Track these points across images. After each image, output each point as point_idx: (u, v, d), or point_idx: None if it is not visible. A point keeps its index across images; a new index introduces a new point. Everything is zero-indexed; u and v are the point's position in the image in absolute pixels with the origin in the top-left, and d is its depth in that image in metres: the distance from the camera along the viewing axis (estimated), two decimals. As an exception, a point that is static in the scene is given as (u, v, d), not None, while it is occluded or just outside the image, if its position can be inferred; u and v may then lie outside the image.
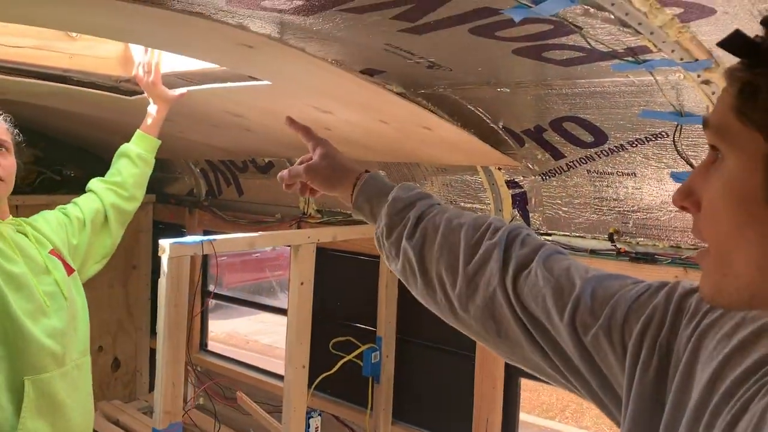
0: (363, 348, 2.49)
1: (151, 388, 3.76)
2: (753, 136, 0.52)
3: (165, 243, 1.78)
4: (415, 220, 0.94)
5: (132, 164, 1.92)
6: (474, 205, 2.21)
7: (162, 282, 1.79)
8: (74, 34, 1.93)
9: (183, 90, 1.97)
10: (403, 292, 2.53)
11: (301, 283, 2.13)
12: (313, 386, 2.36)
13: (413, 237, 0.93)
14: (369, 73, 1.60)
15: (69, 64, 1.96)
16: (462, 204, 2.22)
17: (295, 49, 1.42)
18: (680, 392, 0.62)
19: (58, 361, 1.47)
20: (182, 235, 3.48)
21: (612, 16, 1.07)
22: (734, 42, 0.53)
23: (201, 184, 3.41)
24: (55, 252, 1.59)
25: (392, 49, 1.43)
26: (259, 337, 7.11)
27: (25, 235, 1.55)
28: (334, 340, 2.62)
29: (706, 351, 0.62)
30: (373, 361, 2.46)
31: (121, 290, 3.59)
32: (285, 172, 1.10)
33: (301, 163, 1.10)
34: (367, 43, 1.42)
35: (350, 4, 1.15)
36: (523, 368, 0.85)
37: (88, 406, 1.60)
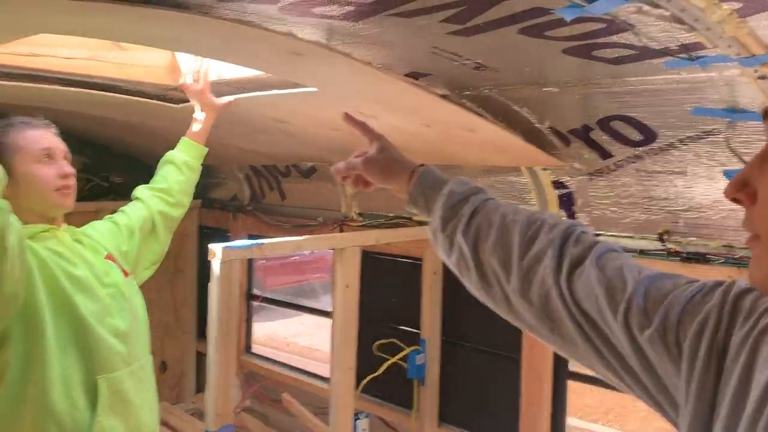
0: (408, 350, 2.49)
1: (198, 390, 3.83)
2: None
3: (215, 247, 1.81)
4: (469, 215, 0.94)
5: (178, 171, 1.92)
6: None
7: (212, 286, 1.82)
8: (123, 44, 1.98)
9: (230, 98, 1.99)
10: (447, 294, 2.53)
11: (346, 286, 2.14)
12: (360, 388, 2.37)
13: (468, 232, 0.93)
14: (414, 76, 1.61)
15: (118, 73, 2.01)
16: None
17: (342, 54, 1.43)
18: (739, 393, 0.61)
19: (125, 360, 1.51)
20: (227, 239, 3.54)
21: (667, 13, 1.06)
22: None
23: (245, 189, 3.46)
24: (110, 257, 1.63)
25: (439, 52, 1.43)
26: (299, 339, 7.17)
27: (80, 242, 1.60)
28: (377, 342, 2.63)
29: (764, 352, 0.61)
30: (417, 363, 2.46)
31: (168, 294, 3.66)
32: (341, 164, 1.11)
33: (357, 156, 1.10)
34: (413, 46, 1.43)
35: (400, 9, 1.16)
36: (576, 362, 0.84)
37: (154, 404, 1.63)
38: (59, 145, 1.57)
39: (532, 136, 1.82)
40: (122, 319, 1.54)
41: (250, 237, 3.51)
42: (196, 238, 3.73)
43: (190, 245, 3.70)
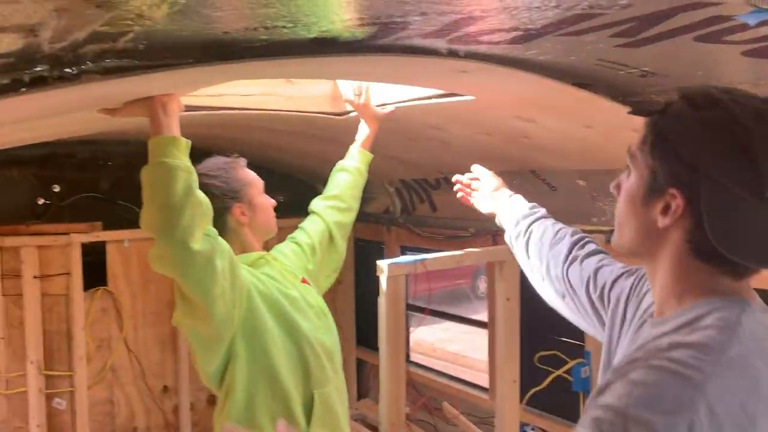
0: (572, 363, 2.45)
1: (360, 396, 4.00)
2: (645, 165, 0.91)
3: (383, 263, 1.90)
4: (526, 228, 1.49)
5: (349, 175, 2.05)
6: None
7: (381, 301, 1.91)
8: (293, 79, 2.14)
9: (391, 107, 2.07)
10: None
11: (507, 299, 2.15)
12: (524, 401, 2.36)
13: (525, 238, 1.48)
14: (575, 86, 1.60)
15: (287, 105, 2.18)
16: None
17: (506, 68, 1.46)
18: (623, 324, 1.10)
19: (332, 375, 1.65)
20: (381, 251, 3.68)
21: None
22: (642, 112, 1.09)
23: (396, 203, 3.57)
24: (305, 280, 1.78)
25: (604, 63, 1.42)
26: (446, 345, 7.22)
27: (284, 267, 1.77)
28: (539, 354, 2.61)
29: (643, 304, 1.06)
30: (583, 376, 2.41)
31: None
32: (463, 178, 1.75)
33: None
34: (577, 60, 1.43)
35: (570, 29, 1.16)
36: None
37: (347, 413, 1.76)
38: None
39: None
40: (327, 337, 1.68)
41: (403, 249, 3.62)
42: (352, 250, 3.91)
43: (347, 257, 3.84)
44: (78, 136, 2.91)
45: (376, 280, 2.01)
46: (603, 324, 1.17)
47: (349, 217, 2.05)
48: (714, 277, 0.86)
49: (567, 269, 1.31)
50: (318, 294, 1.78)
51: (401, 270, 1.92)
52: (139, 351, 3.48)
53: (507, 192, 1.65)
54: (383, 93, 2.04)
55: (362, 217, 3.87)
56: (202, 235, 1.41)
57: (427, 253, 3.02)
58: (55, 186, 3.54)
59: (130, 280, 3.44)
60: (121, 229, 3.40)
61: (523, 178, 2.66)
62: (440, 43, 1.25)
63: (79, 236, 3.21)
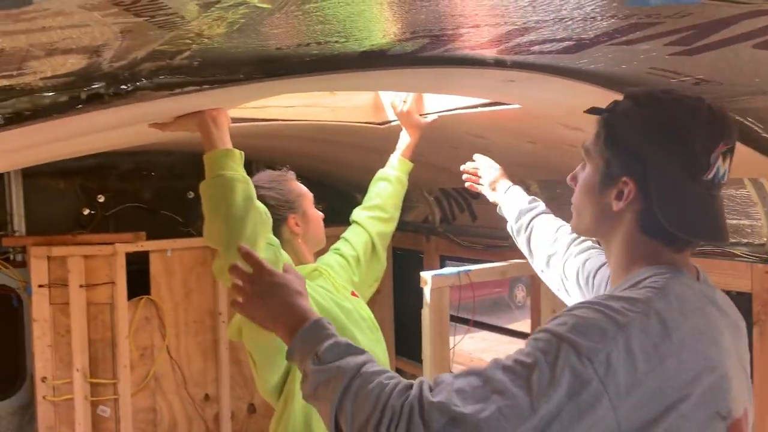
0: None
1: (398, 406, 3.97)
2: (599, 157, 1.06)
3: (427, 275, 1.89)
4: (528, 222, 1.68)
5: (390, 185, 2.05)
6: (741, 221, 2.02)
7: (425, 312, 1.90)
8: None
9: (434, 116, 2.06)
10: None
11: (553, 311, 2.12)
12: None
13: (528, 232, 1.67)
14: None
15: (331, 116, 2.19)
16: (728, 220, 2.04)
17: (555, 77, 1.44)
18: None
19: None
20: (420, 260, 3.66)
21: None
22: (593, 111, 1.11)
23: (435, 212, 3.56)
24: (354, 293, 1.78)
25: (656, 71, 1.38)
26: (483, 355, 7.14)
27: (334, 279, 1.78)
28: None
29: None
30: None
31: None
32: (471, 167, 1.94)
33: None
34: (627, 69, 1.40)
35: (623, 38, 1.14)
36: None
37: None
38: None
39: (757, 145, 1.68)
40: (380, 350, 1.68)
41: (442, 258, 3.60)
42: (390, 259, 3.90)
43: (386, 267, 3.87)
44: (123, 148, 2.97)
45: (415, 289, 2.00)
46: None
47: (391, 227, 2.05)
48: (658, 250, 1.02)
49: (564, 264, 1.48)
50: (366, 306, 1.78)
51: (445, 282, 1.91)
52: (181, 359, 3.53)
53: (507, 183, 1.80)
54: (426, 102, 2.03)
55: (401, 226, 3.84)
56: (266, 244, 1.43)
57: (467, 263, 3.00)
58: (100, 196, 3.63)
59: (173, 289, 3.50)
60: (164, 238, 3.46)
61: (564, 186, 2.62)
62: (488, 54, 1.24)
63: (124, 246, 3.28)
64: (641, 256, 1.03)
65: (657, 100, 1.03)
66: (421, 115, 2.04)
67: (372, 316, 1.77)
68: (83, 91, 1.14)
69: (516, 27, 1.05)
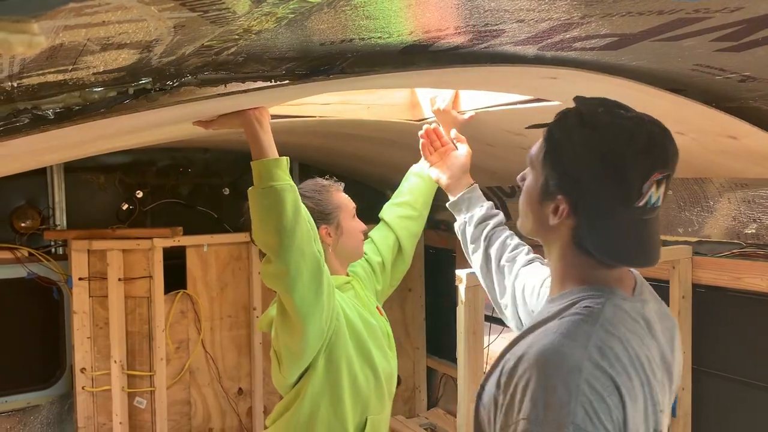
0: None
1: (430, 405, 3.98)
2: (540, 172, 1.11)
3: (461, 273, 1.88)
4: (492, 227, 1.69)
5: (422, 182, 2.03)
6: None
7: (460, 310, 1.89)
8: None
9: (471, 112, 2.05)
10: (697, 319, 2.35)
11: (589, 310, 2.09)
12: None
13: (488, 236, 1.68)
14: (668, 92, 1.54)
15: (367, 114, 2.19)
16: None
17: (597, 72, 1.42)
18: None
19: (388, 402, 1.70)
20: (452, 259, 3.65)
21: None
22: (540, 126, 1.14)
23: (468, 210, 3.53)
24: (378, 308, 1.81)
25: (701, 68, 1.36)
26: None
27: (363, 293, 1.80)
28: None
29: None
30: (667, 392, 2.31)
31: (399, 311, 3.87)
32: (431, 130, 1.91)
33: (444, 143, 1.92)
34: (672, 66, 1.38)
35: (669, 34, 1.13)
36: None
37: None
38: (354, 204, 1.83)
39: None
40: (391, 366, 1.71)
41: (475, 257, 3.58)
42: (422, 258, 3.90)
43: (417, 265, 3.88)
44: (161, 144, 3.02)
45: (447, 288, 1.99)
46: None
47: (419, 226, 2.03)
48: (590, 267, 1.06)
49: (514, 282, 1.52)
50: (387, 322, 1.82)
51: (481, 279, 1.89)
52: (215, 353, 3.58)
53: (469, 180, 1.79)
54: (463, 98, 2.03)
55: (433, 224, 3.88)
56: (313, 254, 1.45)
57: (501, 261, 2.98)
58: (139, 192, 3.70)
59: (208, 283, 3.55)
60: (200, 233, 3.52)
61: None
62: (530, 50, 1.23)
63: (162, 241, 3.34)
64: (575, 271, 1.08)
65: (598, 123, 1.04)
66: (458, 112, 2.03)
67: (390, 333, 1.80)
68: (131, 86, 1.17)
69: (560, 22, 1.04)
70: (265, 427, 1.76)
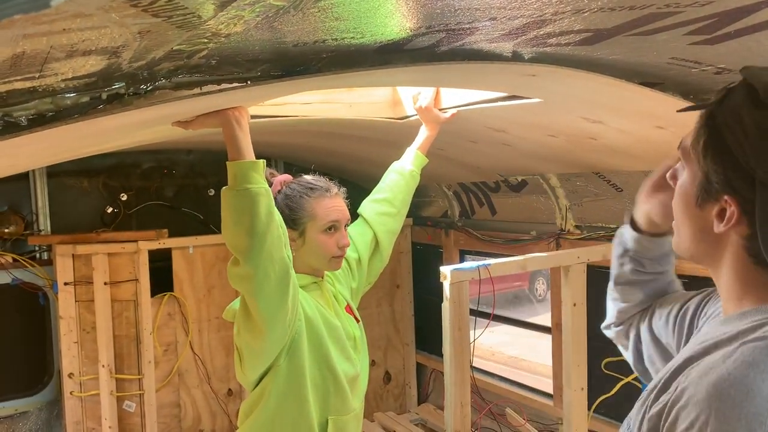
0: (642, 369, 2.37)
1: (420, 401, 3.99)
2: (698, 166, 0.86)
3: (446, 270, 1.89)
4: None
5: (402, 178, 2.01)
6: None
7: (445, 306, 1.90)
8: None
9: (453, 110, 2.04)
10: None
11: (574, 305, 2.10)
12: (593, 409, 2.30)
13: None
14: (644, 86, 1.55)
15: (349, 113, 2.19)
16: None
17: (575, 69, 1.43)
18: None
19: (353, 404, 1.69)
20: (439, 255, 3.66)
21: None
22: (694, 108, 0.91)
23: (454, 206, 3.55)
24: (349, 308, 1.79)
25: (676, 62, 1.37)
26: (504, 349, 7.12)
27: (334, 294, 1.78)
28: (606, 360, 2.54)
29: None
30: (653, 383, 2.33)
31: (387, 308, 3.88)
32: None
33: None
34: (647, 60, 1.38)
35: (642, 29, 1.13)
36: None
37: None
38: (345, 215, 1.73)
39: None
40: (354, 368, 1.69)
41: (462, 253, 3.59)
42: (410, 255, 3.91)
43: (405, 262, 3.88)
44: (145, 146, 3.00)
45: (435, 284, 1.99)
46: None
47: (397, 223, 2.00)
48: None
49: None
50: (357, 325, 1.78)
51: (465, 276, 1.90)
52: (204, 355, 3.57)
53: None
54: (445, 96, 2.03)
55: (420, 220, 3.89)
56: (282, 259, 1.44)
57: (487, 257, 2.99)
58: (123, 195, 3.68)
59: (195, 285, 3.54)
60: (186, 235, 3.50)
61: (587, 179, 2.60)
62: (506, 47, 1.23)
63: (147, 243, 3.32)
64: (755, 288, 0.84)
65: None
66: (440, 109, 2.03)
67: (361, 335, 1.76)
68: (104, 92, 1.16)
69: (533, 19, 1.04)
70: (236, 428, 1.76)
